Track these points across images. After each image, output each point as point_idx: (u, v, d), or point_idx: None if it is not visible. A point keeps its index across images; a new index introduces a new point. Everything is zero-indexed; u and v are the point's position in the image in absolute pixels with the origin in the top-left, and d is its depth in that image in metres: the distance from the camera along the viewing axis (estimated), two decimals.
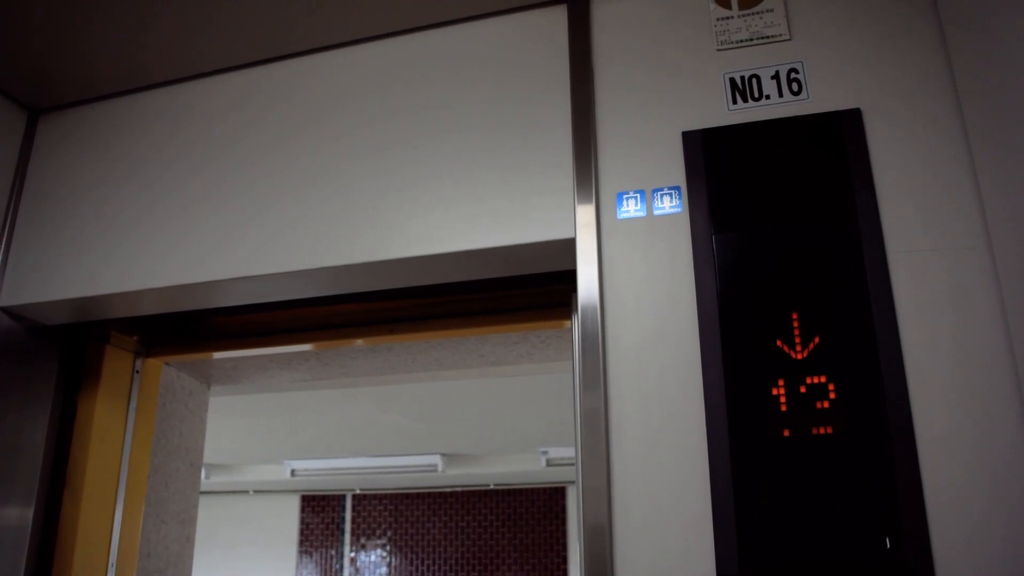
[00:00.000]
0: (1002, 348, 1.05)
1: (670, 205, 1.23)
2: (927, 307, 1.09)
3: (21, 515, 1.60)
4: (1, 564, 1.55)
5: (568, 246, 1.27)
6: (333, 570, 7.84)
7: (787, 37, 1.28)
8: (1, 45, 1.54)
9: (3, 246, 1.61)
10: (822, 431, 1.07)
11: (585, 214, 1.26)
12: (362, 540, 7.85)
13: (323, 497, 8.00)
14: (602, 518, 1.11)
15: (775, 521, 1.06)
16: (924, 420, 1.05)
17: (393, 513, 7.82)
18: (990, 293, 1.08)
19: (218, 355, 1.91)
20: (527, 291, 1.63)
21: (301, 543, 7.93)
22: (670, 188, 1.24)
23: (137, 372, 1.87)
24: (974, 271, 1.09)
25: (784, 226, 1.17)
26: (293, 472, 7.12)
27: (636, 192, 1.26)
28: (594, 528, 1.11)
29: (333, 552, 7.88)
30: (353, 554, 7.85)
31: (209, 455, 6.61)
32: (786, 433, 1.08)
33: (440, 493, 7.73)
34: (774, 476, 1.07)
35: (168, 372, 1.98)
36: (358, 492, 7.92)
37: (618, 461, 1.14)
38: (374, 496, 7.90)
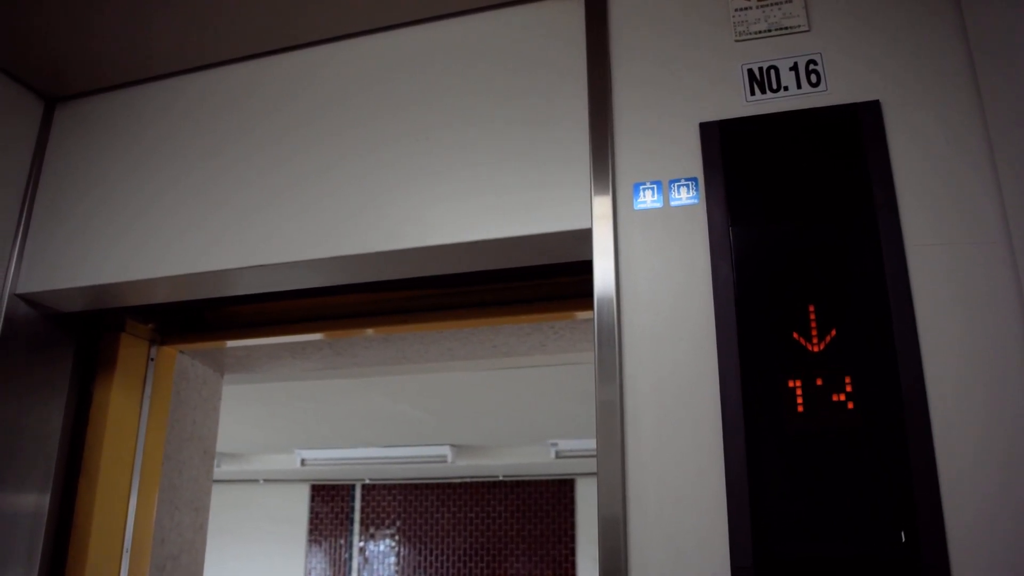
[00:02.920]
0: (1020, 343, 1.05)
1: (687, 196, 1.23)
2: (945, 301, 1.09)
3: (38, 501, 1.62)
4: (18, 549, 1.57)
5: (584, 236, 1.27)
6: (342, 559, 7.88)
7: (806, 28, 1.27)
8: (18, 35, 1.55)
9: (20, 234, 1.62)
10: (838, 424, 1.07)
11: (601, 205, 1.26)
12: (371, 530, 7.88)
13: (333, 487, 8.03)
14: (617, 509, 1.11)
15: (789, 513, 1.06)
16: (940, 414, 1.04)
17: (402, 503, 7.85)
18: (1009, 287, 1.07)
19: (231, 343, 1.91)
20: (540, 282, 1.63)
21: (311, 532, 7.98)
22: (687, 179, 1.24)
23: (152, 360, 1.88)
24: (993, 265, 1.08)
25: (802, 218, 1.16)
26: (303, 462, 7.15)
27: (653, 183, 1.25)
28: (609, 519, 1.11)
29: (342, 541, 7.91)
30: (362, 544, 7.89)
31: (220, 444, 6.61)
32: (802, 426, 1.08)
33: (449, 484, 7.75)
34: (789, 468, 1.07)
35: (182, 360, 1.99)
36: (368, 482, 7.95)
37: (633, 452, 1.14)
38: (383, 486, 7.93)
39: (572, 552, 7.36)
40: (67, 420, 1.69)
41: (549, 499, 7.53)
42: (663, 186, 1.24)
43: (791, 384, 1.09)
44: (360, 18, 1.51)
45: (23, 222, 1.63)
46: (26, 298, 1.60)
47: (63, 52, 1.60)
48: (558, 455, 6.59)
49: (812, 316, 1.11)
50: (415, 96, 1.45)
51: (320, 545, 7.95)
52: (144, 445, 1.81)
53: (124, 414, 1.78)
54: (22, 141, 1.67)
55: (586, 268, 1.26)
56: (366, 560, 7.84)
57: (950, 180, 1.13)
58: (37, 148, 1.69)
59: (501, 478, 7.60)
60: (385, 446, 6.73)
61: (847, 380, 1.08)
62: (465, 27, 1.48)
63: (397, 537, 7.80)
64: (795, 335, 1.11)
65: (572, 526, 7.42)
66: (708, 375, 1.14)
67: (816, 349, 1.10)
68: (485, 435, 6.49)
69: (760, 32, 1.28)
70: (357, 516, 7.95)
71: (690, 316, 1.17)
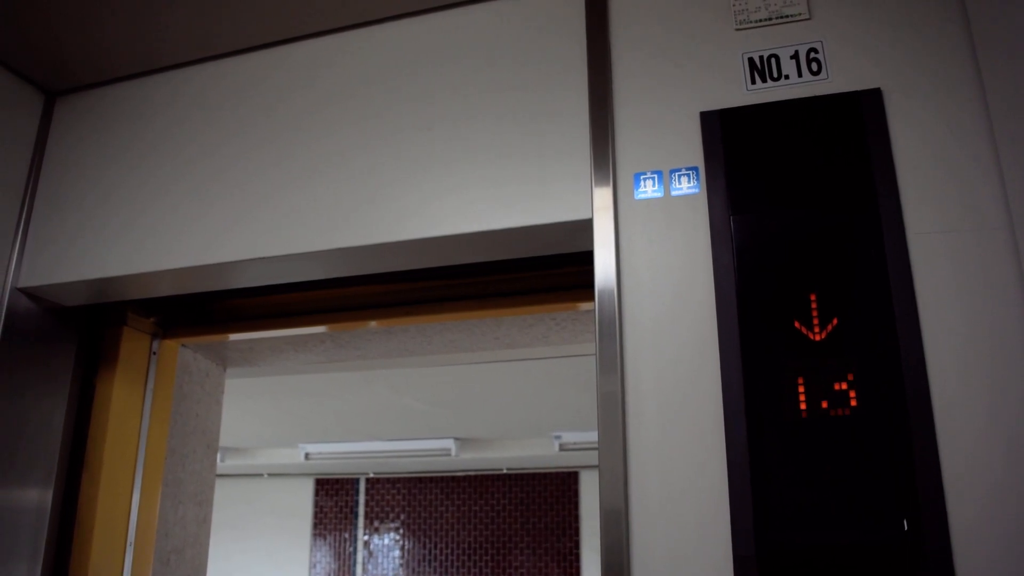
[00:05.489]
0: (1022, 330, 1.04)
1: (688, 186, 1.22)
2: (947, 289, 1.08)
3: (41, 496, 1.62)
4: (22, 544, 1.57)
5: (585, 227, 1.27)
6: (347, 553, 7.90)
7: (806, 16, 1.26)
8: (19, 29, 1.55)
9: (21, 228, 1.62)
10: (840, 413, 1.07)
11: (602, 194, 1.25)
12: (375, 523, 7.90)
13: (337, 481, 8.04)
14: (619, 501, 1.11)
15: (792, 503, 1.05)
16: (942, 402, 1.04)
17: (406, 497, 7.86)
18: (1011, 275, 1.07)
19: (234, 337, 1.91)
20: (543, 273, 1.63)
21: (315, 526, 7.99)
22: (688, 169, 1.23)
23: (154, 354, 1.88)
24: (995, 253, 1.08)
25: (803, 207, 1.16)
26: (307, 456, 7.15)
27: (654, 173, 1.25)
28: (611, 511, 1.11)
29: (347, 535, 7.93)
30: (367, 537, 7.90)
31: (224, 438, 6.63)
32: (803, 415, 1.08)
33: (453, 477, 7.76)
34: (791, 458, 1.07)
35: (185, 354, 1.99)
36: (372, 476, 7.96)
37: (635, 444, 1.14)
38: (388, 480, 7.94)
39: (576, 545, 7.36)
40: (70, 415, 1.69)
41: (553, 492, 7.53)
42: (664, 176, 1.24)
43: (793, 374, 1.09)
44: (361, 10, 1.50)
45: (24, 216, 1.63)
46: (28, 292, 1.60)
47: (64, 45, 1.60)
48: (562, 448, 6.58)
49: (814, 305, 1.11)
50: (417, 89, 1.45)
51: (325, 539, 7.96)
52: (147, 439, 1.81)
53: (127, 408, 1.78)
54: (22, 135, 1.67)
55: (588, 259, 1.25)
56: (371, 553, 7.86)
57: (952, 168, 1.13)
58: (38, 142, 1.69)
59: (505, 471, 7.60)
60: (389, 440, 6.73)
61: (849, 369, 1.08)
62: (466, 19, 1.47)
63: (401, 530, 7.82)
64: (797, 324, 1.11)
65: (576, 519, 7.42)
66: (710, 365, 1.14)
67: (818, 338, 1.10)
68: (489, 428, 6.49)
69: (761, 20, 1.28)
70: (361, 510, 7.96)
71: (691, 306, 1.17)
